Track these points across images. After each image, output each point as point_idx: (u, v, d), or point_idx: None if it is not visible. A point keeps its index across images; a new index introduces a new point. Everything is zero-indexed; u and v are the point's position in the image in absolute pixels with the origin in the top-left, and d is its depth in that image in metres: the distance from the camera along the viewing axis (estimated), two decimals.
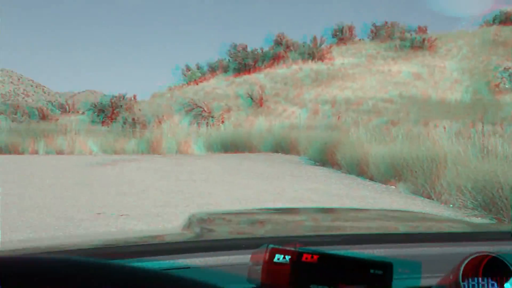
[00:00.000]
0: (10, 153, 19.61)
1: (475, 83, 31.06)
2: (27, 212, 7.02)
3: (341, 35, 51.87)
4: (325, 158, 13.56)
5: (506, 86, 27.69)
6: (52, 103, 43.59)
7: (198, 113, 25.94)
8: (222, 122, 24.44)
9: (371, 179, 10.76)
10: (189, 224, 1.63)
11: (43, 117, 34.43)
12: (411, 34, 47.19)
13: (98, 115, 30.14)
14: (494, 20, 48.39)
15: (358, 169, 11.53)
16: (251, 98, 30.97)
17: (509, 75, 28.06)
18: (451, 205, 7.94)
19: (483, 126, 13.26)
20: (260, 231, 1.72)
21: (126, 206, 7.60)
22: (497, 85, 28.32)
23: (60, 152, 19.16)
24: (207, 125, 22.88)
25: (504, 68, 28.89)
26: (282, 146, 17.62)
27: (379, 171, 10.67)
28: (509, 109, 20.68)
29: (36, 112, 35.41)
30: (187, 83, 46.75)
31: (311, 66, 42.11)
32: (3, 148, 19.71)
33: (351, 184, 10.18)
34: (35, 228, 5.96)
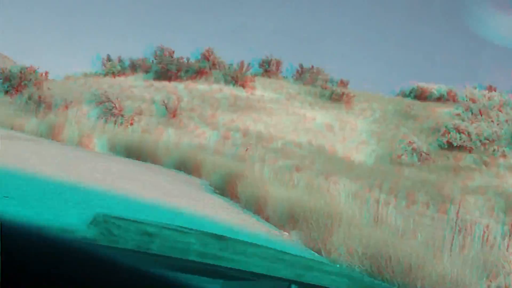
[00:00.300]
0: None
1: (380, 149, 32.33)
2: None
3: (268, 67, 52.52)
4: (226, 188, 13.47)
5: (407, 160, 29.01)
6: None
7: (108, 108, 25.20)
8: (131, 124, 23.88)
9: (267, 220, 10.77)
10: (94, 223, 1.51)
11: None
12: (332, 85, 48.57)
13: (3, 83, 28.57)
14: (410, 93, 50.93)
15: (256, 207, 11.52)
16: (166, 107, 30.54)
17: (411, 150, 29.43)
18: (338, 265, 8.06)
19: (380, 194, 13.75)
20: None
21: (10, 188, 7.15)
22: (399, 157, 29.60)
23: None
24: (115, 124, 22.24)
25: (409, 142, 30.28)
26: (186, 165, 17.35)
27: (275, 214, 10.70)
28: (405, 183, 21.62)
29: None
30: (105, 75, 45.49)
31: (232, 90, 42.25)
32: None
33: (246, 221, 10.15)
34: None
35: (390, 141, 34.74)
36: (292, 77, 53.91)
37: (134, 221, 2.09)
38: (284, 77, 53.33)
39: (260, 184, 12.36)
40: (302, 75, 52.68)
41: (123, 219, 1.94)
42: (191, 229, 3.07)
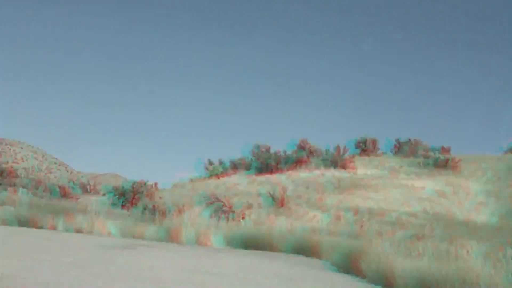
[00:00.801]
0: (29, 226, 19.52)
1: (501, 207, 30.63)
2: None
3: (364, 147, 52.49)
4: (349, 266, 13.14)
5: None
6: (73, 182, 43.95)
7: (218, 207, 25.81)
8: (243, 218, 24.21)
9: None
10: None
11: (64, 194, 34.63)
12: (434, 153, 47.49)
13: (119, 198, 30.17)
14: None
15: (385, 281, 11.10)
16: (273, 198, 30.82)
17: None
18: None
19: None
20: None
21: None
22: None
23: (78, 230, 18.99)
24: (227, 220, 22.63)
25: None
26: (304, 249, 17.22)
27: (407, 286, 10.24)
28: None
29: (58, 190, 35.64)
30: (209, 177, 46.98)
31: (334, 173, 42.17)
32: (22, 221, 19.66)
33: None
34: None
35: (509, 198, 32.93)
36: (391, 151, 53.38)
37: None
38: (382, 153, 52.91)
39: (384, 257, 11.95)
40: (401, 148, 52.07)
41: None
42: None
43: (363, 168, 44.20)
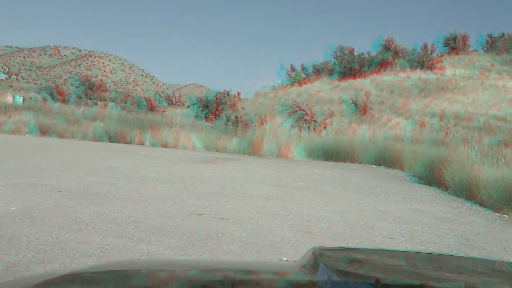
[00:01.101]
0: (118, 142, 20.48)
1: None
2: (129, 208, 7.13)
3: (454, 44, 49.77)
4: (432, 177, 12.94)
5: None
6: (159, 95, 45.12)
7: (300, 116, 25.82)
8: (325, 127, 24.17)
9: (481, 204, 10.10)
10: (313, 261, 1.42)
11: (151, 107, 35.75)
12: None
13: (202, 110, 30.80)
14: None
15: (467, 192, 10.87)
16: (355, 105, 30.44)
17: None
18: None
19: None
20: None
21: (226, 209, 7.58)
22: None
23: (164, 145, 19.75)
24: (309, 129, 22.67)
25: None
26: (385, 159, 17.08)
27: (490, 197, 9.98)
28: None
29: (145, 103, 36.82)
30: (291, 84, 46.80)
31: (420, 75, 40.76)
32: (112, 137, 20.60)
33: (460, 208, 9.60)
34: (138, 224, 6.01)
35: None
36: (482, 49, 50.43)
37: (343, 250, 2.11)
38: (473, 50, 50.10)
39: (468, 167, 11.64)
40: (494, 44, 49.06)
41: (332, 249, 2.01)
42: (398, 251, 3.00)
43: (451, 68, 42.43)
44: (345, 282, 1.29)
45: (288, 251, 5.46)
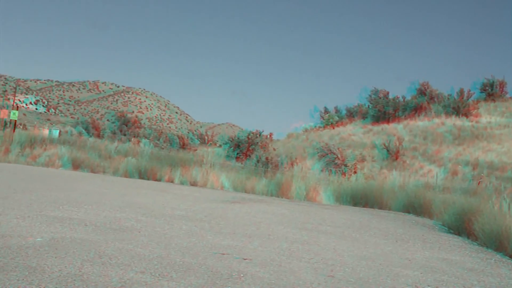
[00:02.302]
0: (148, 178, 20.71)
1: None
2: (153, 244, 7.18)
3: (491, 91, 49.11)
4: (461, 226, 12.70)
5: None
6: (192, 133, 45.67)
7: (331, 159, 25.80)
8: (355, 172, 24.07)
9: (511, 257, 9.85)
10: None
11: (183, 145, 36.16)
12: None
13: (233, 150, 31.01)
14: None
15: (497, 244, 10.62)
16: (387, 150, 30.26)
17: None
18: None
19: None
20: None
21: (250, 250, 7.56)
22: None
23: (193, 184, 19.89)
24: (338, 173, 22.60)
25: None
26: (415, 207, 16.85)
27: None
28: None
29: (177, 140, 37.28)
30: (324, 126, 46.88)
31: (455, 121, 40.42)
32: (142, 173, 20.87)
33: (488, 260, 9.37)
34: (161, 261, 6.04)
35: None
36: None
37: None
38: (511, 98, 49.41)
39: (499, 218, 11.39)
40: None
41: None
42: None
43: (487, 115, 41.96)
44: None
45: None
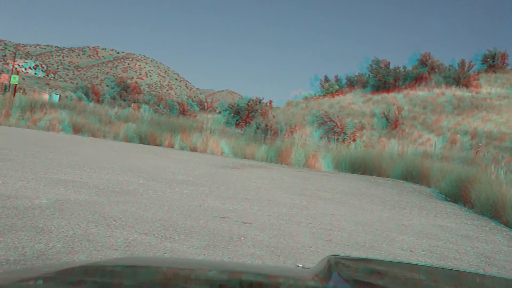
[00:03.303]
0: (148, 143, 20.83)
1: None
2: (156, 207, 7.33)
3: (492, 62, 48.95)
4: (458, 194, 12.89)
5: None
6: (192, 99, 45.61)
7: (330, 127, 25.88)
8: (354, 140, 24.18)
9: (506, 224, 10.05)
10: (327, 270, 1.39)
11: (183, 111, 36.19)
12: None
13: (233, 117, 31.07)
14: None
15: (493, 212, 10.82)
16: (387, 119, 30.33)
17: None
18: None
19: None
20: None
21: (250, 214, 7.73)
22: None
23: (193, 149, 20.03)
24: (337, 141, 22.71)
25: None
26: (413, 175, 17.03)
27: None
28: None
29: (177, 106, 37.29)
30: (324, 95, 46.79)
31: (455, 92, 40.37)
32: (142, 138, 20.97)
33: (483, 227, 9.57)
34: (164, 223, 6.20)
35: None
36: None
37: (362, 260, 2.07)
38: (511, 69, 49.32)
39: (496, 187, 11.57)
40: None
41: (351, 259, 1.96)
42: (421, 265, 2.94)
43: (487, 86, 41.89)
44: None
45: (308, 257, 5.56)
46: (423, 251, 6.67)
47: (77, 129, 23.09)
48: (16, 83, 29.58)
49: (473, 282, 1.74)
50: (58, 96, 39.64)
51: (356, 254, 6.03)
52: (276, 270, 1.77)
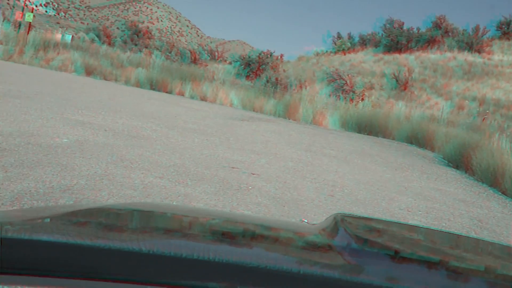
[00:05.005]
0: (159, 90, 21.09)
1: None
2: (169, 153, 7.69)
3: (507, 29, 48.32)
4: (460, 160, 13.18)
5: None
6: (203, 48, 45.49)
7: (340, 85, 26.01)
8: (362, 99, 24.33)
9: (504, 193, 10.37)
10: (333, 226, 1.42)
11: (194, 60, 36.23)
12: None
13: (244, 68, 31.15)
14: None
15: (492, 180, 11.12)
16: (396, 80, 30.38)
17: None
18: None
19: None
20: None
21: (257, 166, 8.08)
22: None
23: (203, 98, 20.29)
24: (345, 100, 22.92)
25: None
26: (418, 138, 17.27)
27: None
28: None
29: (189, 54, 37.31)
30: (335, 52, 46.56)
31: (466, 57, 40.11)
32: (153, 84, 21.21)
33: (481, 193, 9.92)
34: (177, 169, 6.56)
35: None
36: None
37: (364, 218, 2.16)
38: None
39: (497, 155, 11.85)
40: None
41: (354, 216, 2.01)
42: (418, 226, 3.06)
43: (500, 53, 41.58)
44: (363, 249, 1.28)
45: (311, 209, 5.93)
46: (419, 211, 7.04)
47: (89, 71, 23.33)
48: (31, 21, 29.64)
49: (471, 246, 1.77)
50: (70, 36, 39.66)
51: (356, 210, 6.40)
52: (282, 224, 1.82)
